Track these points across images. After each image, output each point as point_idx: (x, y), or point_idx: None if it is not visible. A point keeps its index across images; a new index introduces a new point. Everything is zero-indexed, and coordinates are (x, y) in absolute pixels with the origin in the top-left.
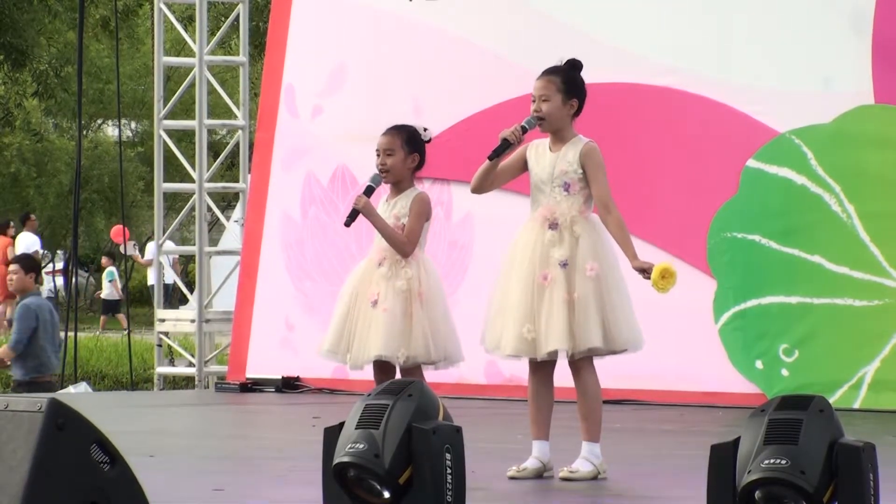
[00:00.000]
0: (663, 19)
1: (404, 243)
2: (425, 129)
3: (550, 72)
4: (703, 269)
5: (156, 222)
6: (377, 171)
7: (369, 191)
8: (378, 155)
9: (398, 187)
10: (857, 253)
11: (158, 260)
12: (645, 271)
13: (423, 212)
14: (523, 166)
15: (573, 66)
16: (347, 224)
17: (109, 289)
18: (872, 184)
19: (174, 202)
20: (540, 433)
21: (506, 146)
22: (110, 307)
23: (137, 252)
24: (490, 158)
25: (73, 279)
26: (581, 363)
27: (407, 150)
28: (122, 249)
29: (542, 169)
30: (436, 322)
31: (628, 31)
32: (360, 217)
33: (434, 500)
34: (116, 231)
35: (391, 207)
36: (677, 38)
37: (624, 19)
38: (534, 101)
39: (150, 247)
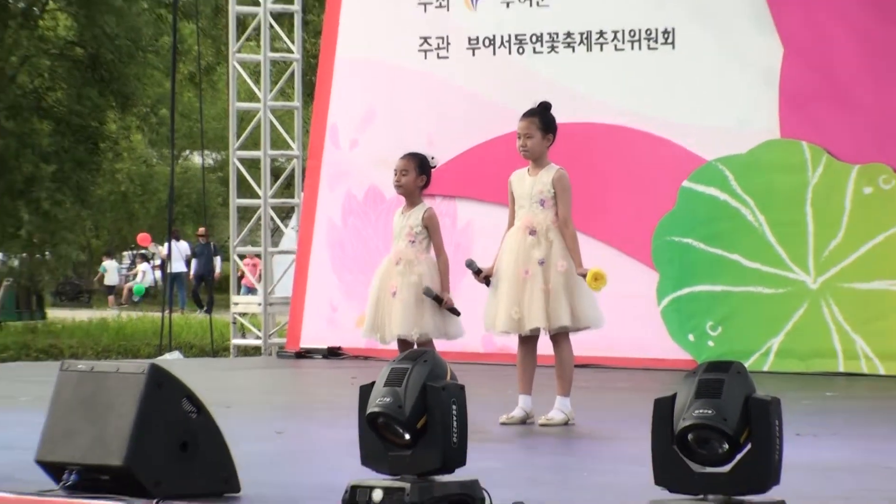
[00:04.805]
0: (617, 73)
1: (445, 261)
2: (432, 158)
3: (530, 114)
4: (649, 264)
5: (231, 229)
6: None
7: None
8: (395, 173)
9: (411, 202)
10: (766, 252)
11: (233, 258)
12: (584, 276)
13: (437, 226)
14: None
15: (546, 108)
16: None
17: (116, 276)
18: (778, 200)
19: (245, 213)
20: (525, 389)
21: (472, 268)
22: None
23: (160, 248)
24: (467, 265)
25: (169, 271)
26: (558, 337)
27: (418, 171)
28: (151, 248)
29: (524, 189)
30: (440, 307)
31: (591, 83)
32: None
33: (443, 441)
34: (143, 237)
35: (406, 219)
36: (628, 87)
37: (588, 74)
38: (519, 138)
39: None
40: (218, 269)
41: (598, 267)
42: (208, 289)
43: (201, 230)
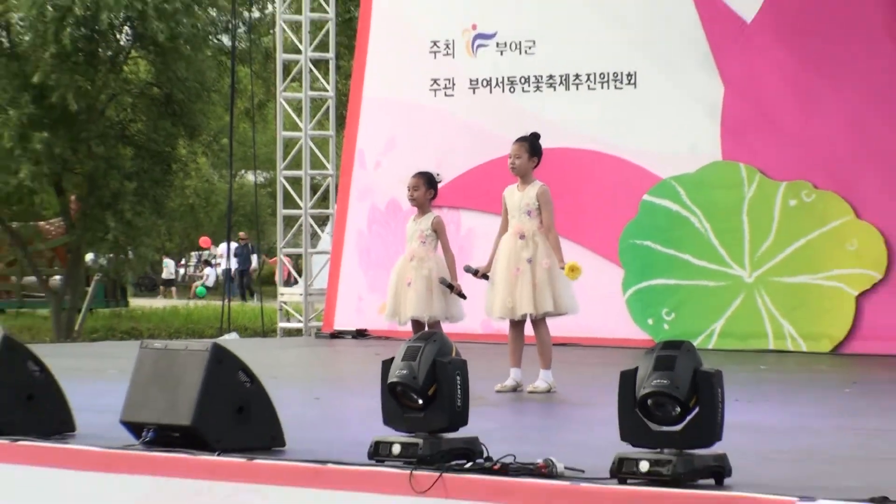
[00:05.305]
0: (591, 108)
1: (452, 257)
2: (438, 174)
3: (521, 139)
4: (616, 262)
5: (278, 233)
6: (467, 264)
7: (468, 269)
8: (408, 189)
9: (421, 211)
10: (711, 253)
11: (280, 257)
12: (562, 268)
13: (444, 229)
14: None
15: (535, 136)
16: (443, 283)
17: (171, 271)
18: (720, 210)
19: (289, 221)
20: (515, 363)
21: (470, 271)
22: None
23: (216, 249)
24: (466, 269)
25: (229, 268)
26: (538, 322)
27: (426, 186)
28: (211, 249)
29: (514, 202)
30: (446, 295)
31: (570, 116)
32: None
33: (449, 405)
34: (204, 240)
35: (418, 224)
36: (599, 120)
37: (567, 109)
38: (510, 157)
39: (222, 246)
40: (253, 266)
41: (573, 261)
42: (249, 282)
43: (242, 234)
